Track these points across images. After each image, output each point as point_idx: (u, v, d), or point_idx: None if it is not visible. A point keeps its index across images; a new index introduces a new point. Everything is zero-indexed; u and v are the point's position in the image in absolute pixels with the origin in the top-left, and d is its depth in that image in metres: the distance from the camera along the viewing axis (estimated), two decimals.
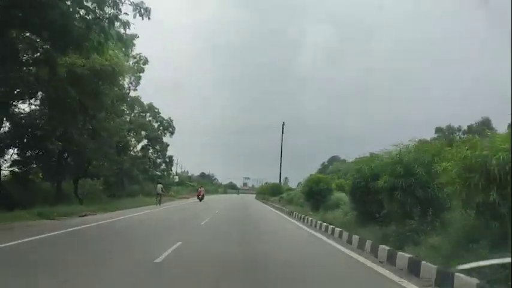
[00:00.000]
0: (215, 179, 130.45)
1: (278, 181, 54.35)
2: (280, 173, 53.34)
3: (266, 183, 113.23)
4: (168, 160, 47.79)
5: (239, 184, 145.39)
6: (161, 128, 44.28)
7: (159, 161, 46.23)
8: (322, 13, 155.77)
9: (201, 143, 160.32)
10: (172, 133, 44.96)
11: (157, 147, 44.30)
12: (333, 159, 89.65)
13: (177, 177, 67.25)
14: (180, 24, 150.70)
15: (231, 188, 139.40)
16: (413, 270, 6.61)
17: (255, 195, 73.08)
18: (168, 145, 45.81)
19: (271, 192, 44.95)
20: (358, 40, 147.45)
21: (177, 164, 79.94)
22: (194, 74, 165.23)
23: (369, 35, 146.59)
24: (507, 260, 3.39)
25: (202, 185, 54.85)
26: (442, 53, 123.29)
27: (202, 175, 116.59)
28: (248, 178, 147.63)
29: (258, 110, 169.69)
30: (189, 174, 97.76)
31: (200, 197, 41.74)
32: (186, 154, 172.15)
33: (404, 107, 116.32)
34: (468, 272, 5.00)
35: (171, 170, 54.06)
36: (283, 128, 52.65)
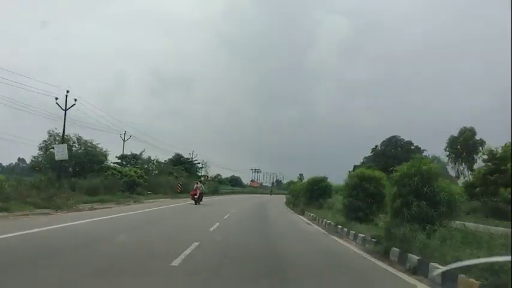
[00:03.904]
0: (201, 167, 71.32)
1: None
2: None
3: (277, 181, 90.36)
4: None
5: (246, 180, 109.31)
6: None
7: None
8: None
9: (206, 132, 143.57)
10: None
11: None
12: (391, 142, 62.40)
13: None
14: (190, 21, 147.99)
15: (235, 184, 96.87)
16: None
17: (285, 200, 44.09)
18: None
19: None
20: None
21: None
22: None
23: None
24: (507, 258, 3.32)
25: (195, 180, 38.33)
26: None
27: (177, 158, 61.66)
28: (259, 171, 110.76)
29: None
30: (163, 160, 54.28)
31: (196, 197, 27.86)
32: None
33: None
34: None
35: None
36: None
